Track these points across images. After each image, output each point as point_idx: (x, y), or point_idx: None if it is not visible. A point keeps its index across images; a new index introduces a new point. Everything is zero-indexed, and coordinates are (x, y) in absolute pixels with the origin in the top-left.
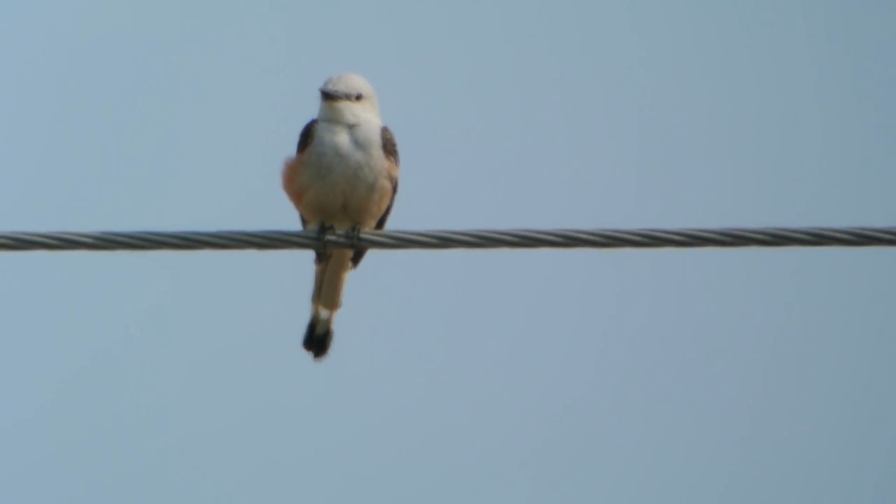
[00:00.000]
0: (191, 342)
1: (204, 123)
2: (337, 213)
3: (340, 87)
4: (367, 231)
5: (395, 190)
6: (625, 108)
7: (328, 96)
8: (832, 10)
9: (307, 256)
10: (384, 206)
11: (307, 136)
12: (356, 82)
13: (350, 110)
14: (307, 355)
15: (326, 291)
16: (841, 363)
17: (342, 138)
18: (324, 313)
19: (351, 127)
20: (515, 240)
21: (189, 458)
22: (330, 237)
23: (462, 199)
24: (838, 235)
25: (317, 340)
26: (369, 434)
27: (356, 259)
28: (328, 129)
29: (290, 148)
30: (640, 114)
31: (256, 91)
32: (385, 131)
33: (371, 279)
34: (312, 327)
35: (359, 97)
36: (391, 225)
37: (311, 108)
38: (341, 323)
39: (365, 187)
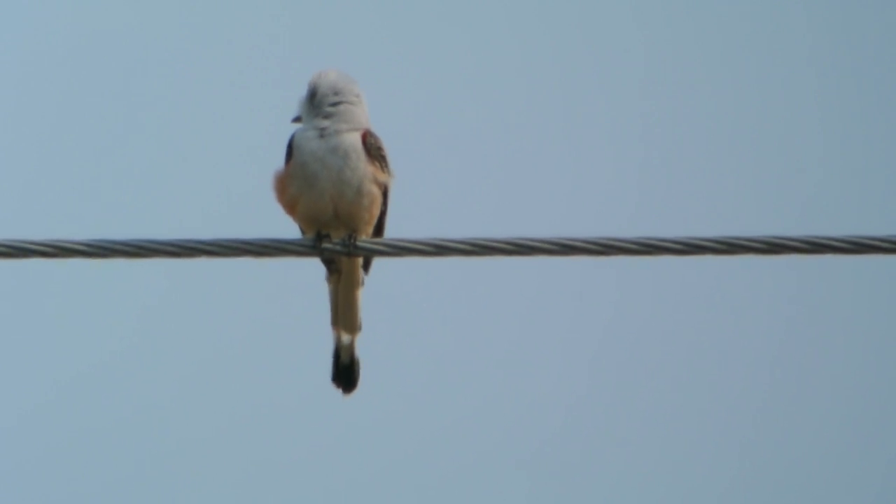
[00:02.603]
0: (187, 350)
1: (200, 130)
2: (330, 221)
3: (321, 87)
4: (364, 239)
5: (385, 195)
6: (621, 116)
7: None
8: (830, 18)
9: (309, 267)
10: (376, 212)
11: (290, 147)
12: (329, 78)
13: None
14: (336, 392)
15: (343, 313)
16: (838, 371)
17: (319, 143)
18: (345, 338)
19: (323, 129)
20: (511, 248)
21: (186, 468)
22: (326, 245)
23: (458, 207)
24: (835, 244)
25: (343, 371)
26: (366, 438)
27: (366, 266)
28: (305, 138)
29: (283, 156)
30: (636, 122)
31: (253, 97)
32: (368, 136)
33: (367, 286)
34: (337, 355)
35: (336, 93)
36: (389, 232)
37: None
38: (364, 349)
39: (351, 192)
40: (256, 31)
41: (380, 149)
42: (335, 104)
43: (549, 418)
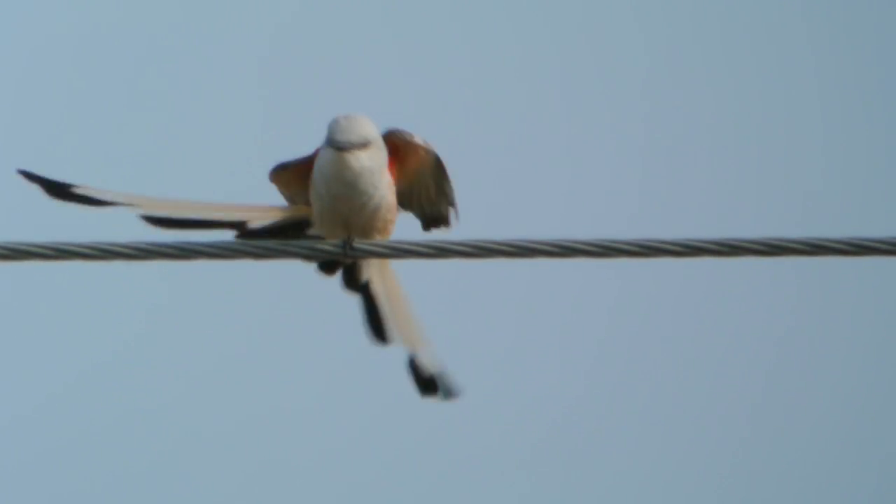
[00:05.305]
0: (187, 353)
1: (200, 128)
2: (337, 230)
3: (352, 137)
4: (363, 241)
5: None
6: (622, 118)
7: (338, 146)
8: (830, 17)
9: (302, 267)
10: (392, 218)
11: (315, 157)
12: (365, 129)
13: (357, 160)
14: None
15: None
16: (838, 374)
17: (346, 175)
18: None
19: (357, 170)
20: (512, 250)
21: (182, 470)
22: (321, 246)
23: (459, 208)
24: (835, 245)
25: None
26: (363, 439)
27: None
28: (334, 167)
29: (286, 153)
30: (636, 124)
31: (252, 95)
32: (392, 134)
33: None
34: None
35: (366, 144)
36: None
37: (307, 108)
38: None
39: (369, 211)
40: (260, 25)
41: (401, 133)
42: (362, 149)
43: (547, 421)
